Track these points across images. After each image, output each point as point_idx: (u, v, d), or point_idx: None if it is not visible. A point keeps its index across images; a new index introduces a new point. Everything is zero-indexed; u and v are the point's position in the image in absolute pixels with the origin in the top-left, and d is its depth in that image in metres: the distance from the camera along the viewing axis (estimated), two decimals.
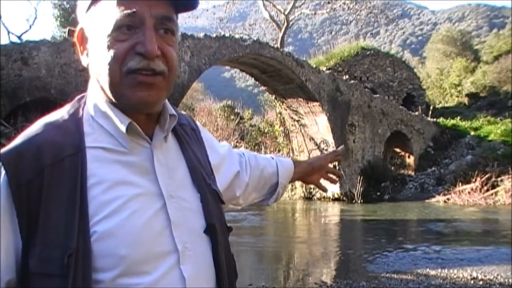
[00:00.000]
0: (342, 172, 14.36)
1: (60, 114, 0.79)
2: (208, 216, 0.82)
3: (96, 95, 0.80)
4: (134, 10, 0.73)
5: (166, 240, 0.75)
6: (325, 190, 1.36)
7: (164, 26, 0.77)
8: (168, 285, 0.74)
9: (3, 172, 0.69)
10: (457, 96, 25.69)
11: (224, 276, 0.82)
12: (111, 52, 0.74)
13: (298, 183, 15.70)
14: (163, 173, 0.79)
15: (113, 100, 0.77)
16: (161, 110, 0.82)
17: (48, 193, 0.69)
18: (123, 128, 0.76)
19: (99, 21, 0.76)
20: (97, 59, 0.77)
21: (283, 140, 16.90)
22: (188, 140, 0.90)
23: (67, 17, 19.67)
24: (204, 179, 0.87)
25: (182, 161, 0.85)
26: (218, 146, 1.05)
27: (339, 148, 1.35)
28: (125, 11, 0.73)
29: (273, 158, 1.22)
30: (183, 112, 1.00)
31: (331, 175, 1.32)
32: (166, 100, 0.84)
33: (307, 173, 1.28)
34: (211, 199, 0.85)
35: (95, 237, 0.70)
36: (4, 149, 0.72)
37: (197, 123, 1.01)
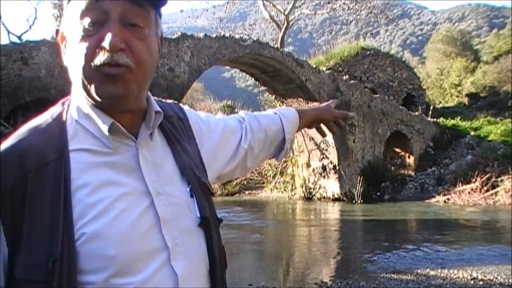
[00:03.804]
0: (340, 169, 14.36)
1: (44, 118, 0.79)
2: (201, 209, 0.83)
3: (78, 97, 0.79)
4: (99, 5, 0.74)
5: (155, 237, 0.75)
6: (324, 135, 1.33)
7: (131, 20, 0.76)
8: (160, 282, 0.74)
9: None
10: (457, 96, 25.67)
11: (218, 268, 0.84)
12: (80, 49, 0.74)
13: (298, 184, 15.72)
14: (149, 171, 0.79)
15: (88, 98, 0.77)
16: (147, 108, 0.82)
17: (32, 199, 0.69)
18: (105, 128, 0.76)
19: (71, 20, 0.77)
20: (71, 58, 0.77)
21: None
22: (175, 133, 0.89)
23: None
24: (194, 172, 0.86)
25: (170, 157, 0.85)
26: (214, 125, 1.03)
27: (351, 114, 1.30)
28: (90, 7, 0.74)
29: (276, 113, 1.18)
30: (169, 101, 0.98)
31: (333, 126, 1.28)
32: (151, 97, 0.84)
33: (314, 122, 1.26)
34: (201, 192, 0.85)
35: (83, 239, 0.69)
36: None
37: (186, 109, 0.99)
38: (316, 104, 14.11)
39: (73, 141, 0.75)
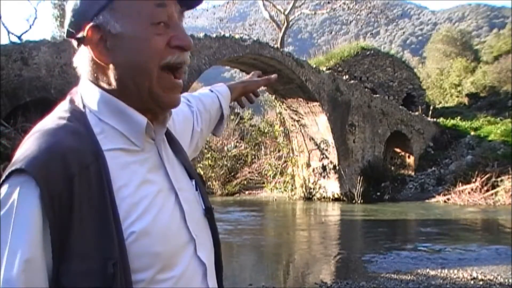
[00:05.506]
0: (340, 171, 14.35)
1: (65, 118, 0.74)
2: (205, 200, 0.88)
3: (100, 95, 0.77)
4: (165, 6, 0.77)
5: (184, 231, 0.79)
6: (243, 106, 1.41)
7: (182, 21, 0.82)
8: (193, 273, 0.79)
9: (33, 185, 0.64)
10: (457, 96, 25.69)
11: (219, 252, 0.90)
12: (152, 46, 0.75)
13: (298, 184, 15.72)
14: (169, 167, 0.82)
15: (144, 97, 0.77)
16: None
17: (79, 204, 0.66)
18: (142, 126, 0.77)
19: (131, 16, 0.75)
20: (132, 54, 0.75)
21: (283, 140, 16.89)
22: (169, 128, 0.91)
23: None
24: (191, 165, 0.91)
25: (173, 153, 0.89)
26: (175, 115, 1.03)
27: (272, 76, 1.38)
28: (160, 6, 0.76)
29: (212, 91, 1.25)
30: None
31: (252, 96, 1.37)
32: None
33: (241, 95, 1.33)
34: (201, 183, 0.90)
35: (132, 238, 0.70)
36: (27, 161, 0.66)
37: None
38: (316, 104, 14.14)
39: (103, 141, 0.74)
